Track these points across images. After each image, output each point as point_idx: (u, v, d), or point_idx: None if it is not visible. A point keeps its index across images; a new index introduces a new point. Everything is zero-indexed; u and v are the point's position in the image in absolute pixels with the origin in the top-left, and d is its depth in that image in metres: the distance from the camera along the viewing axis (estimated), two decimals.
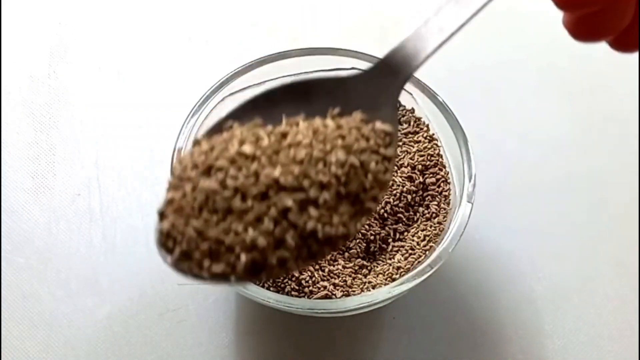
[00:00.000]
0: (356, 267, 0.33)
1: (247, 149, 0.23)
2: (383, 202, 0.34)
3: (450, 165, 0.34)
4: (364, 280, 0.32)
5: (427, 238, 0.33)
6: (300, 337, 0.35)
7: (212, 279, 0.22)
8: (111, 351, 0.34)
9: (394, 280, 0.32)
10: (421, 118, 0.36)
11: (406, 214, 0.34)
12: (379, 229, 0.34)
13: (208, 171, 0.23)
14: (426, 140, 0.36)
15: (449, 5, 0.24)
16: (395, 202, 0.34)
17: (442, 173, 0.35)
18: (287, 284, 0.32)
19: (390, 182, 0.32)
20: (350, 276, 0.32)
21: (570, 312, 0.36)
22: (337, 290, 0.31)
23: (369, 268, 0.33)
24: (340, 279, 0.32)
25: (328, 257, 0.33)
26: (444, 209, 0.34)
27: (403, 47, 0.24)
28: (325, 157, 0.22)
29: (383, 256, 0.33)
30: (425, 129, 0.36)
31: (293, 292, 0.31)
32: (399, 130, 0.36)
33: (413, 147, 0.36)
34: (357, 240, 0.33)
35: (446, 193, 0.34)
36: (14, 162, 0.40)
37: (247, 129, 0.24)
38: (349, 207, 0.22)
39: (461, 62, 0.43)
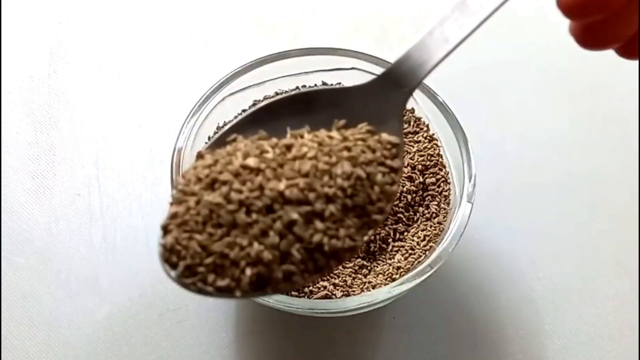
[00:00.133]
0: (356, 267, 0.33)
1: (252, 162, 0.22)
2: None
3: (450, 165, 0.34)
4: (364, 280, 0.32)
5: (427, 238, 0.33)
6: (300, 337, 0.35)
7: (217, 293, 0.22)
8: (111, 351, 0.34)
9: (394, 280, 0.32)
10: (421, 118, 0.36)
11: (406, 214, 0.34)
12: (379, 229, 0.34)
13: (212, 185, 0.22)
14: (426, 140, 0.36)
15: (454, 14, 0.23)
16: (395, 202, 0.34)
17: (442, 173, 0.35)
18: None
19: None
20: (350, 276, 0.32)
21: (570, 312, 0.36)
22: (337, 290, 0.31)
23: (369, 268, 0.33)
24: (340, 279, 0.32)
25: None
26: (444, 209, 0.34)
27: (408, 58, 0.24)
28: (331, 170, 0.22)
29: (383, 256, 0.33)
30: (425, 129, 0.36)
31: (293, 292, 0.31)
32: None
33: (413, 147, 0.36)
34: None
35: (446, 193, 0.34)
36: (14, 162, 0.40)
37: (251, 142, 0.24)
38: (355, 219, 0.22)
39: (461, 62, 0.43)
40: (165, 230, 0.23)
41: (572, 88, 0.44)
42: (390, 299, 0.30)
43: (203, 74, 0.41)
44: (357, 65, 0.35)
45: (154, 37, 0.46)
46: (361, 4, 0.48)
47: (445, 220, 0.33)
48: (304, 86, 0.37)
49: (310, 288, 0.32)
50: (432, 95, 0.34)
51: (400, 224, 0.34)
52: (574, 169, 0.41)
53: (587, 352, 0.35)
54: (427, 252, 0.33)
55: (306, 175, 0.22)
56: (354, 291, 0.32)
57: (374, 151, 0.23)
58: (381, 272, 0.32)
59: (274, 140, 0.24)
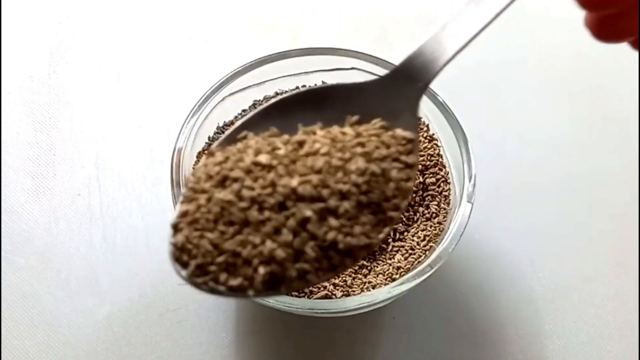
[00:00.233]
0: (356, 267, 0.33)
1: (263, 158, 0.22)
2: None
3: (450, 165, 0.34)
4: (364, 280, 0.32)
5: (427, 238, 0.33)
6: (300, 337, 0.35)
7: (229, 293, 0.21)
8: (111, 351, 0.34)
9: (394, 280, 0.32)
10: (421, 118, 0.36)
11: (406, 214, 0.34)
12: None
13: (223, 182, 0.22)
14: (426, 140, 0.36)
15: (468, 8, 0.23)
16: None
17: (442, 173, 0.35)
18: None
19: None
20: (350, 276, 0.32)
21: (570, 312, 0.36)
22: (337, 290, 0.31)
23: (369, 268, 0.33)
24: (340, 279, 0.32)
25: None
26: (444, 209, 0.34)
27: (422, 53, 0.24)
28: (345, 166, 0.22)
29: (383, 256, 0.33)
30: (425, 129, 0.36)
31: (293, 292, 0.31)
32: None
33: None
34: None
35: (446, 193, 0.34)
36: (14, 162, 0.40)
37: (262, 139, 0.23)
38: (370, 216, 0.22)
39: (461, 62, 0.43)
40: (176, 228, 0.22)
41: (572, 88, 0.44)
42: (390, 299, 0.30)
43: (203, 74, 0.41)
44: (357, 65, 0.35)
45: (154, 37, 0.46)
46: (361, 4, 0.48)
47: (445, 220, 0.33)
48: (303, 86, 0.37)
49: (310, 288, 0.32)
50: (432, 95, 0.34)
51: (400, 224, 0.34)
52: (574, 169, 0.41)
53: (587, 352, 0.35)
54: (427, 252, 0.33)
55: (319, 171, 0.22)
56: (354, 291, 0.32)
57: (388, 147, 0.23)
58: (381, 272, 0.32)
59: (286, 136, 0.23)
